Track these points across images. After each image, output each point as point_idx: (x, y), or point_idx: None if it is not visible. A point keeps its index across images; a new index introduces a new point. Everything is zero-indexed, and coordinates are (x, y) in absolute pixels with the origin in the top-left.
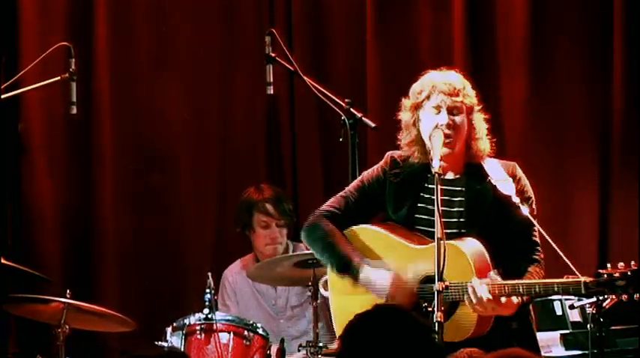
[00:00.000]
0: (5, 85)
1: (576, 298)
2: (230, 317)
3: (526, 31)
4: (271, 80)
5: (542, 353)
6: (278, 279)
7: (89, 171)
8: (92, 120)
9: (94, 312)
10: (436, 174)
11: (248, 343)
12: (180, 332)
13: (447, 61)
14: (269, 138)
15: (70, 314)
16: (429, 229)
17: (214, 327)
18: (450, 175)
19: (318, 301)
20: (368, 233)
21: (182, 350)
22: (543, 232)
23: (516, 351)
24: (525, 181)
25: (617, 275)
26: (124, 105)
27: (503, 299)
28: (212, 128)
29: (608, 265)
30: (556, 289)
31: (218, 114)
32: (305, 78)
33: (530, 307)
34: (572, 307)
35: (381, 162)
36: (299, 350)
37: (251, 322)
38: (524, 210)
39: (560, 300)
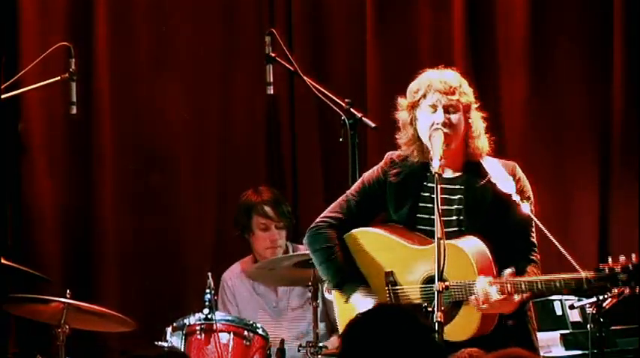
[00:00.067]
0: (5, 85)
1: (576, 298)
2: (230, 318)
3: (526, 31)
4: (271, 80)
5: (542, 353)
6: (278, 279)
7: (89, 171)
8: (92, 120)
9: (94, 312)
10: (436, 175)
11: (248, 343)
12: (180, 332)
13: (447, 61)
14: (269, 138)
15: (70, 314)
16: (431, 228)
17: (214, 327)
18: (448, 173)
19: (319, 301)
20: (369, 236)
21: (182, 350)
22: (545, 229)
23: (516, 351)
24: (525, 181)
25: (618, 269)
26: (124, 105)
27: (516, 297)
28: (212, 128)
29: (609, 259)
30: (558, 285)
31: (218, 114)
32: (305, 78)
33: (531, 306)
34: (572, 307)
35: (381, 163)
36: (299, 351)
37: (251, 322)
38: (525, 207)
39: (560, 300)
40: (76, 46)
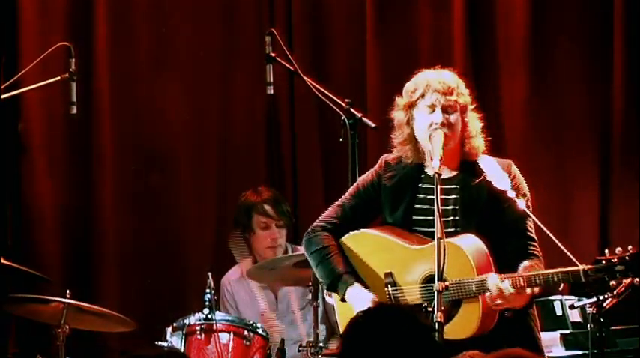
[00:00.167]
0: (5, 85)
1: (576, 298)
2: (230, 317)
3: (526, 31)
4: (271, 80)
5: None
6: (278, 279)
7: (89, 171)
8: (92, 120)
9: (94, 312)
10: (436, 174)
11: (248, 343)
12: (180, 332)
13: (447, 61)
14: (269, 138)
15: (70, 314)
16: (428, 230)
17: (214, 327)
18: (445, 173)
19: (319, 301)
20: (367, 237)
21: (182, 350)
22: (541, 225)
23: (517, 351)
24: (521, 178)
25: (615, 260)
26: (124, 105)
27: (528, 290)
28: (212, 128)
29: (606, 251)
30: (556, 279)
31: (218, 114)
32: (305, 78)
33: (533, 307)
34: (572, 307)
35: (376, 167)
36: (299, 351)
37: (251, 322)
38: (521, 203)
39: (561, 300)
40: (76, 46)
